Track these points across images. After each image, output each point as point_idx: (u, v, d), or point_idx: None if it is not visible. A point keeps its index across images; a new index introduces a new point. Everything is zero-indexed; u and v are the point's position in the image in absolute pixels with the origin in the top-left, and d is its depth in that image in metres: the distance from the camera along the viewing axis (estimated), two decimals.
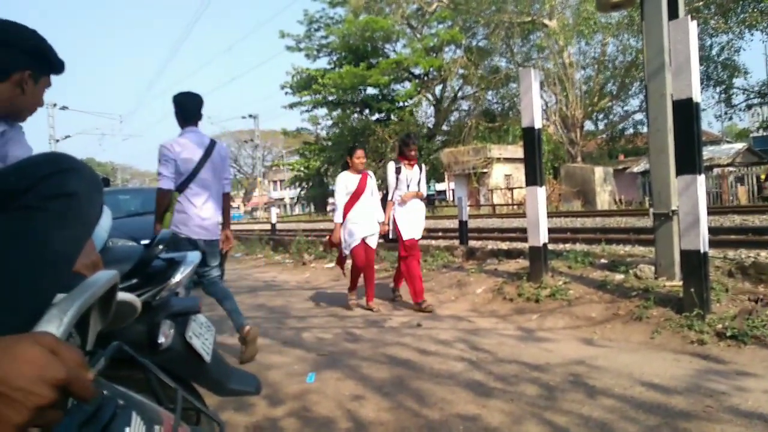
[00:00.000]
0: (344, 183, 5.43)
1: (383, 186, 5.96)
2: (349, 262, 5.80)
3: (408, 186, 5.51)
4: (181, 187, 3.69)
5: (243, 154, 68.84)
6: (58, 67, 1.57)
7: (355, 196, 5.40)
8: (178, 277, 2.00)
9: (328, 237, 5.83)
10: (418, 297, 5.37)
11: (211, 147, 3.77)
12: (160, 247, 2.11)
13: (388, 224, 5.52)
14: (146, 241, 2.26)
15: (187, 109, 3.75)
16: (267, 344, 4.37)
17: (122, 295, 1.65)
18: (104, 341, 1.66)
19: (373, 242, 5.48)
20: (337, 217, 5.42)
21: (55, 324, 0.83)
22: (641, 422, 2.55)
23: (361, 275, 5.59)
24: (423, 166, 5.68)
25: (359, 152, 5.40)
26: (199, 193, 3.73)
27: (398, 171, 5.51)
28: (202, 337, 2.03)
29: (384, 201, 5.64)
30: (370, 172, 5.57)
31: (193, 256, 2.09)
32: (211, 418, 1.66)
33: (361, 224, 5.38)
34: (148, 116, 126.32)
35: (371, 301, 5.52)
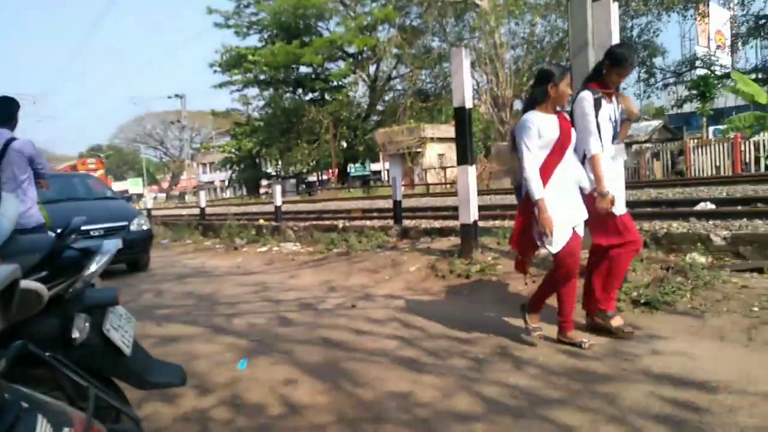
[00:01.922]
0: (536, 128, 3.16)
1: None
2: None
3: (614, 129, 3.40)
4: None
5: (170, 136, 65.98)
6: None
7: (558, 152, 3.20)
8: (93, 268, 1.89)
9: (518, 229, 3.40)
10: (610, 302, 3.47)
11: (6, 145, 4.01)
12: (73, 236, 1.98)
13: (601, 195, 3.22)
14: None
15: None
16: (196, 333, 4.25)
17: (24, 283, 1.53)
18: (10, 338, 1.55)
19: (581, 229, 3.31)
20: (537, 189, 3.11)
21: None
22: (564, 388, 2.69)
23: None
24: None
25: (568, 77, 3.22)
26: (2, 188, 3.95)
27: (598, 104, 3.30)
28: (121, 329, 1.94)
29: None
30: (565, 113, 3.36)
31: (110, 245, 1.98)
32: (126, 414, 1.60)
33: (572, 202, 3.26)
34: (65, 97, 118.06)
35: (571, 330, 3.35)
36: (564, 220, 3.16)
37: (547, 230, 3.08)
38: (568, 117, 3.31)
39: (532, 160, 3.15)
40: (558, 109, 3.27)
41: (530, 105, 3.29)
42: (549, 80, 3.19)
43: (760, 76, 25.55)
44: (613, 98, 3.42)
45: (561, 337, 3.35)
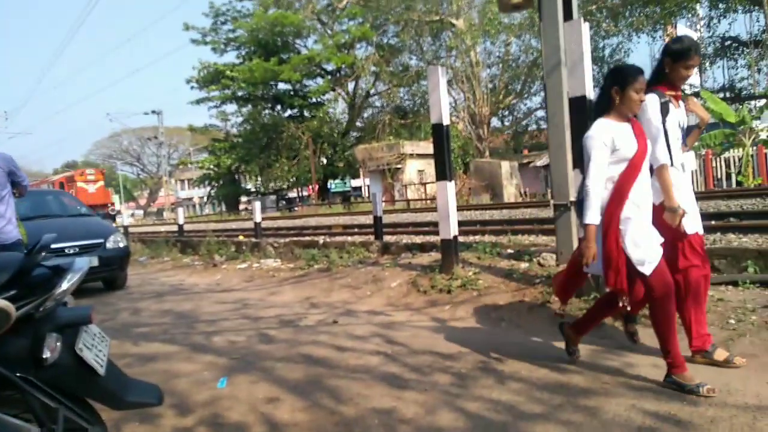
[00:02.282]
0: (610, 139, 2.76)
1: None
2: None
3: (683, 136, 3.12)
4: None
5: (147, 153, 65.24)
6: None
7: (637, 165, 2.77)
8: (64, 286, 1.85)
9: (573, 258, 3.05)
10: (705, 339, 3.04)
11: None
12: (43, 253, 1.93)
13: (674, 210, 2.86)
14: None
15: None
16: (175, 351, 4.16)
17: None
18: None
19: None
20: (593, 211, 2.73)
21: None
22: (546, 402, 2.69)
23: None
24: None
25: (640, 81, 2.77)
26: None
27: (665, 109, 2.96)
28: (94, 348, 1.89)
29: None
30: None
31: (81, 263, 1.94)
32: None
33: (650, 217, 2.85)
34: (37, 112, 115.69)
35: (685, 370, 2.73)
36: (653, 237, 2.78)
37: (584, 260, 2.75)
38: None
39: (599, 176, 2.73)
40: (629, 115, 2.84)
41: (598, 111, 2.89)
42: (614, 83, 2.78)
43: (727, 95, 26.39)
44: (681, 103, 3.09)
45: (674, 378, 2.72)
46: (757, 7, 24.47)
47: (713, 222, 7.45)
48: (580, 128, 4.22)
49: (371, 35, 32.75)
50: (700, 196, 12.45)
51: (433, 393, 2.92)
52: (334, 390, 3.07)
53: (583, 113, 4.16)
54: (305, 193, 42.04)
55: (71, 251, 6.80)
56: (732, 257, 4.53)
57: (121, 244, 7.69)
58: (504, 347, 3.59)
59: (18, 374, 1.69)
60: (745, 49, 26.48)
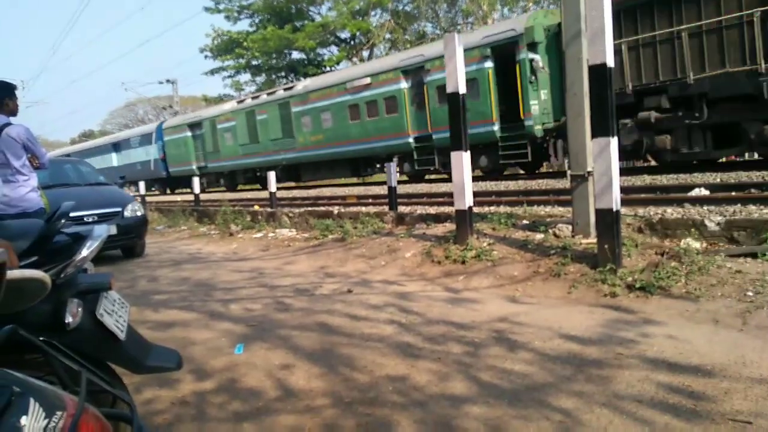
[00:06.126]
0: None
1: None
2: None
3: None
4: None
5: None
6: None
7: None
8: (84, 253, 1.88)
9: None
10: None
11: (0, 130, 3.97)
12: (63, 221, 1.96)
13: None
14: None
15: None
16: (192, 318, 4.25)
17: (27, 272, 1.52)
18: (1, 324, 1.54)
19: None
20: None
21: None
22: (558, 372, 2.70)
23: None
24: None
25: None
26: None
27: None
28: (115, 314, 1.93)
29: None
30: None
31: (101, 230, 1.96)
32: (120, 399, 1.60)
33: None
34: (54, 81, 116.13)
35: None
36: None
37: None
38: None
39: None
40: None
41: None
42: None
43: None
44: None
45: None
46: None
47: (733, 193, 7.31)
48: (599, 97, 4.14)
49: (386, 1, 32.10)
50: (721, 166, 12.25)
51: (446, 362, 2.95)
52: (349, 358, 3.12)
53: (603, 81, 4.07)
54: None
55: (90, 219, 6.91)
56: (752, 229, 4.46)
57: (139, 213, 7.79)
58: (517, 317, 3.60)
59: (41, 338, 1.74)
60: None
